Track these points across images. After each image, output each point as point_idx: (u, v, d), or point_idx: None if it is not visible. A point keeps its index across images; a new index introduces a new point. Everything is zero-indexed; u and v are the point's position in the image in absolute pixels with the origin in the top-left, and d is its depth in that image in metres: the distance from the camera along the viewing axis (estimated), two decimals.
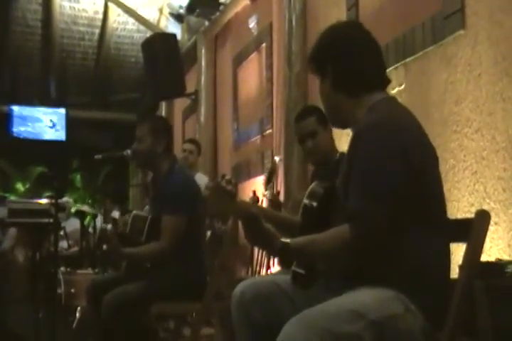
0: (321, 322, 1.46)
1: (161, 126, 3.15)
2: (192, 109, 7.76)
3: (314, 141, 2.69)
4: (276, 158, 4.01)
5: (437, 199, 1.62)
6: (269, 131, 5.44)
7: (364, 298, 1.51)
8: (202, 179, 3.98)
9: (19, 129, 10.47)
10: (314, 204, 1.73)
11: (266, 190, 3.19)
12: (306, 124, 2.72)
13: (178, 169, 3.08)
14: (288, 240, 1.57)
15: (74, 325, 4.41)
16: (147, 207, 3.32)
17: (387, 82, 1.73)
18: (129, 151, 3.19)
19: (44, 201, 4.47)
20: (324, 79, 1.72)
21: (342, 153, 2.65)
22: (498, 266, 2.17)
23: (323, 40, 1.76)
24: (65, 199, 5.63)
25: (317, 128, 2.70)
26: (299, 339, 1.44)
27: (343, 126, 1.81)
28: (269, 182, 3.31)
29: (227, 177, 1.71)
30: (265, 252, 3.69)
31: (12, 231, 6.02)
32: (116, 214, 6.65)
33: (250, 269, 4.27)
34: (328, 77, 1.71)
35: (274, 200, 3.02)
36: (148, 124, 3.07)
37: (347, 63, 1.69)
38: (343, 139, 3.12)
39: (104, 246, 2.94)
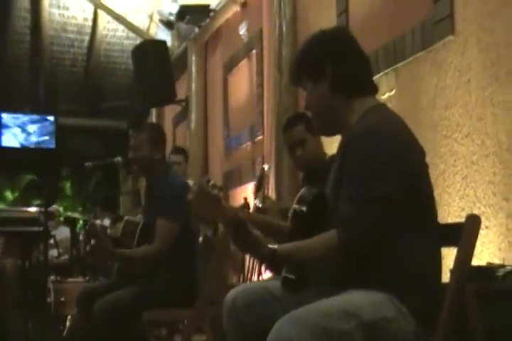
0: (312, 318, 1.45)
1: (159, 135, 3.20)
2: (182, 116, 7.75)
3: (303, 149, 2.71)
4: (265, 166, 4.03)
5: (428, 205, 1.63)
6: (260, 137, 5.43)
7: (356, 299, 1.51)
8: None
9: (8, 137, 10.42)
10: (304, 209, 1.73)
11: (255, 198, 3.18)
12: (295, 133, 2.74)
13: (173, 174, 3.12)
14: (275, 246, 1.56)
15: (64, 333, 4.38)
16: (140, 215, 3.31)
17: (377, 88, 1.73)
18: (119, 158, 3.20)
19: (33, 209, 4.44)
20: (319, 81, 1.68)
21: (332, 157, 2.66)
22: (489, 270, 2.17)
23: (317, 42, 1.72)
24: (54, 207, 5.59)
25: (306, 135, 2.72)
26: (291, 335, 1.43)
27: (333, 133, 1.80)
28: (258, 190, 3.28)
29: (212, 181, 1.71)
30: (253, 258, 3.68)
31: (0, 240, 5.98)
32: (106, 221, 6.62)
33: (242, 275, 4.25)
34: (324, 79, 1.67)
35: (263, 208, 3.01)
36: (145, 134, 3.09)
37: (347, 65, 1.67)
38: (333, 145, 3.11)
39: (92, 241, 2.89)
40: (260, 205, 3.04)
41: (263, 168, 3.87)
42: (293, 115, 3.09)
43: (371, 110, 1.65)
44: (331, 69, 1.66)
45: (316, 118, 1.75)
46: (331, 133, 1.82)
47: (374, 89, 1.72)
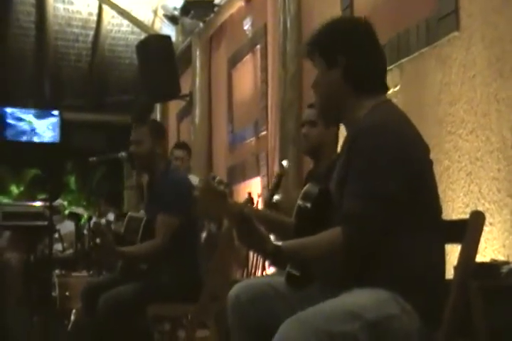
0: (317, 322, 1.45)
1: (159, 128, 3.22)
2: (186, 111, 7.75)
3: (309, 130, 2.74)
4: (284, 162, 3.94)
5: (432, 202, 1.62)
6: (264, 132, 5.43)
7: (360, 298, 1.51)
8: (194, 181, 3.98)
9: (13, 132, 10.44)
10: (308, 205, 1.73)
11: (272, 196, 3.13)
12: (311, 113, 2.79)
13: (173, 170, 3.13)
14: (279, 243, 1.56)
15: (69, 327, 4.39)
16: (142, 211, 3.32)
17: (387, 87, 1.72)
18: (123, 153, 3.20)
19: (38, 204, 4.46)
20: (332, 68, 1.66)
21: (337, 155, 2.67)
22: (493, 266, 2.17)
23: (335, 29, 1.69)
24: (59, 201, 5.61)
25: (319, 120, 2.75)
26: (295, 338, 1.43)
27: (335, 120, 1.77)
28: (277, 188, 3.23)
29: (218, 177, 1.71)
30: (257, 254, 3.69)
31: (6, 234, 6.00)
32: (111, 216, 6.63)
33: (246, 271, 4.26)
34: (337, 67, 1.65)
35: (281, 206, 3.00)
36: (146, 127, 3.10)
37: (361, 59, 1.65)
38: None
39: (98, 240, 2.93)
40: (278, 203, 3.02)
41: (281, 165, 3.82)
42: None
43: (377, 106, 1.64)
44: (344, 61, 1.65)
45: (321, 101, 1.72)
46: (333, 120, 1.79)
47: (384, 88, 1.71)
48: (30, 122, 10.47)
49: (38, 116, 10.52)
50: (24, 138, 10.44)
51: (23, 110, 10.51)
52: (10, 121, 10.41)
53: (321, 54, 1.68)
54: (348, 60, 1.64)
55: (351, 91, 1.65)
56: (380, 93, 1.68)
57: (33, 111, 10.51)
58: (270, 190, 3.26)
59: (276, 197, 3.05)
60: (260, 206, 4.45)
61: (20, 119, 10.48)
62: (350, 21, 1.73)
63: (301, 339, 1.43)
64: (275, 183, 3.31)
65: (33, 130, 10.46)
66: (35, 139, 10.44)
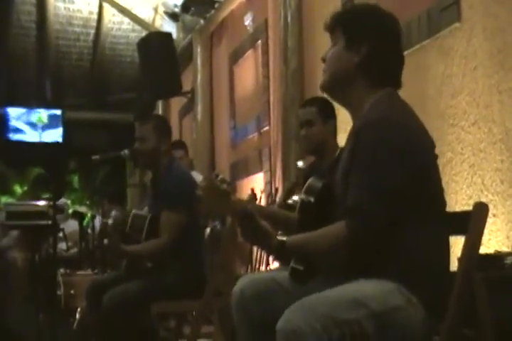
0: (321, 308, 1.45)
1: (164, 124, 3.19)
2: (188, 108, 7.75)
3: (308, 131, 2.76)
4: (300, 163, 3.83)
5: (437, 195, 1.61)
6: (267, 128, 5.43)
7: (365, 288, 1.50)
8: (197, 178, 3.98)
9: (16, 131, 10.46)
10: (311, 199, 1.73)
11: (291, 195, 3.11)
12: (306, 112, 2.80)
13: (176, 166, 3.11)
14: (284, 238, 1.56)
15: (74, 326, 4.40)
16: (146, 208, 3.32)
17: (400, 84, 1.70)
18: (126, 151, 3.19)
19: (42, 203, 4.46)
20: (350, 51, 1.64)
21: (341, 149, 2.67)
22: (497, 257, 2.17)
23: (369, 17, 1.67)
24: (63, 200, 5.62)
25: (315, 119, 2.76)
26: (300, 324, 1.42)
27: (338, 100, 1.73)
28: (290, 195, 3.21)
29: (221, 176, 1.71)
30: (262, 250, 3.69)
31: (13, 233, 6.02)
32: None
33: (249, 266, 4.26)
34: (356, 54, 1.63)
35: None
36: (151, 124, 3.07)
37: (383, 55, 1.64)
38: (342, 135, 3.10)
39: (105, 241, 2.94)
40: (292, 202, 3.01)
41: (299, 167, 3.80)
42: (314, 97, 3.15)
43: (382, 98, 1.63)
44: (366, 52, 1.63)
45: (329, 79, 1.69)
46: (335, 98, 1.75)
47: (398, 84, 1.69)
48: (32, 121, 10.48)
49: (41, 116, 10.53)
50: (27, 138, 10.46)
51: (26, 109, 10.52)
52: (12, 120, 10.43)
53: (344, 33, 1.66)
54: (370, 52, 1.63)
55: (361, 79, 1.64)
56: (391, 88, 1.67)
57: (35, 110, 10.53)
58: (283, 195, 3.24)
59: (295, 198, 3.03)
60: (263, 201, 4.45)
61: (22, 119, 10.50)
62: (384, 15, 1.69)
63: (305, 324, 1.42)
64: (289, 189, 3.29)
65: (35, 129, 10.48)
66: (38, 138, 10.46)
